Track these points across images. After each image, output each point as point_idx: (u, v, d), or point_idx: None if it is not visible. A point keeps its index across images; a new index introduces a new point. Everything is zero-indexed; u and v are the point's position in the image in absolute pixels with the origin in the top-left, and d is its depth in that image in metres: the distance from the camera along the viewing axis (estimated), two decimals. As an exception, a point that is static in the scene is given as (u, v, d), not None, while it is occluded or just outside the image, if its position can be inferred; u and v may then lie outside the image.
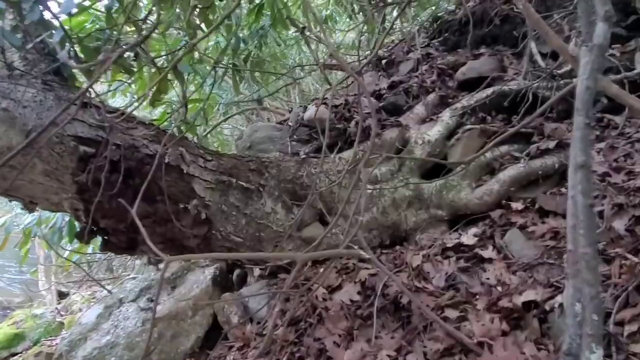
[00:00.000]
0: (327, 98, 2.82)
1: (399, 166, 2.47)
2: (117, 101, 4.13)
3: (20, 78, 1.97)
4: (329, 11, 5.54)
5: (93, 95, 1.95)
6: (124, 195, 1.84)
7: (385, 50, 3.79)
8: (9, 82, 1.88)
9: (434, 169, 2.47)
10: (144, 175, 1.87)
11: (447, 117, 2.54)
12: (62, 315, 4.15)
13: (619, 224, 1.56)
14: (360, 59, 3.82)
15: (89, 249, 3.98)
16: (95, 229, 2.01)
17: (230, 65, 3.17)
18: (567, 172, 2.10)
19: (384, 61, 3.31)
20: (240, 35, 3.16)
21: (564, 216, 1.90)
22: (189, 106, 3.07)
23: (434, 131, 2.50)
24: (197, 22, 2.27)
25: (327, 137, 2.06)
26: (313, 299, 1.99)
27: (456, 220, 2.35)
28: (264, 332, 1.95)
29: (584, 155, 0.84)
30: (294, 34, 3.80)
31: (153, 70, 2.43)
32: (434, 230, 2.35)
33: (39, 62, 2.09)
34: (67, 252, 3.67)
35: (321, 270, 2.17)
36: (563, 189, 1.98)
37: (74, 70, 2.17)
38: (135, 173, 1.92)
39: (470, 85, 2.75)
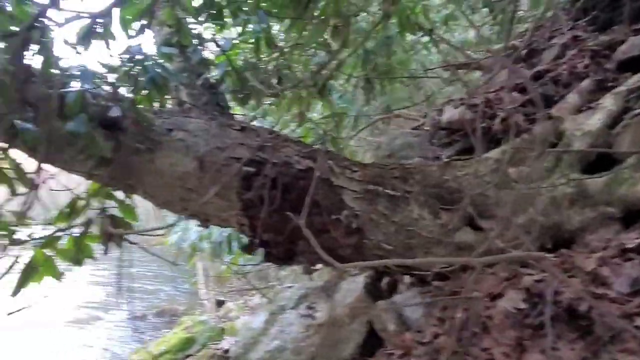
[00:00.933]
0: (464, 98, 2.73)
1: (556, 161, 2.26)
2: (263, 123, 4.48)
3: (189, 111, 2.27)
4: (449, 10, 5.38)
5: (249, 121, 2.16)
6: (283, 210, 1.98)
7: (521, 40, 3.54)
8: (182, 115, 2.17)
9: (598, 162, 2.22)
10: (299, 190, 2.01)
11: (608, 102, 2.27)
12: (223, 322, 4.60)
13: None
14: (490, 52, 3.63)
15: (241, 261, 4.35)
16: (258, 241, 2.20)
17: (362, 78, 3.24)
18: None
19: (523, 52, 3.09)
20: (368, 46, 3.23)
21: None
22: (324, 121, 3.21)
23: (594, 120, 2.25)
24: (335, 41, 2.38)
25: (477, 137, 1.98)
26: (475, 307, 1.91)
27: (631, 218, 2.07)
28: (424, 341, 1.92)
29: None
30: (420, 37, 3.75)
31: (293, 92, 2.61)
32: (605, 230, 2.10)
33: (202, 96, 2.38)
34: (224, 265, 4.07)
35: (479, 277, 2.08)
36: None
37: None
38: (290, 188, 2.05)
39: (634, 65, 2.42)
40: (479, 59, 3.62)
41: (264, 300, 4.17)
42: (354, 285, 2.35)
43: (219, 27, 2.48)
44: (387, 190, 2.22)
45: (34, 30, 1.63)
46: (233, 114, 2.37)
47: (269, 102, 2.71)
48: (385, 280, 2.50)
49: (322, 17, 2.37)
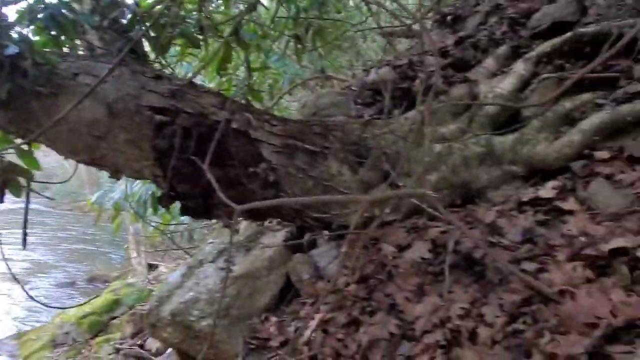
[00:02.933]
0: (390, 60, 2.77)
1: (469, 122, 2.36)
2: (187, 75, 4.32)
3: (100, 56, 2.13)
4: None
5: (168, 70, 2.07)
6: (207, 161, 1.94)
7: (451, 7, 3.61)
8: (91, 60, 2.04)
9: (507, 124, 2.34)
10: (214, 142, 1.97)
11: (520, 67, 2.38)
12: (152, 284, 4.52)
13: None
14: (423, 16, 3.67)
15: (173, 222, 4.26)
16: (174, 194, 2.15)
17: (292, 37, 3.19)
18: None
19: (449, 17, 3.16)
20: (300, 4, 3.17)
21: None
22: (254, 75, 3.13)
23: (506, 83, 2.35)
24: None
25: (388, 97, 2.02)
26: (382, 258, 1.99)
27: (532, 176, 2.22)
28: (335, 289, 1.98)
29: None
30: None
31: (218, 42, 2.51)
32: (509, 187, 2.23)
33: (115, 40, 2.24)
34: (152, 225, 3.96)
35: (390, 230, 2.16)
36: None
37: (146, 47, 2.31)
38: (206, 139, 2.01)
39: (546, 33, 2.54)
40: (410, 24, 3.66)
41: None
42: (274, 239, 2.37)
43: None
44: (306, 146, 2.22)
45: None
46: (150, 62, 2.25)
47: (193, 54, 2.61)
48: (307, 236, 2.54)
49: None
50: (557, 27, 2.50)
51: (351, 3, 3.92)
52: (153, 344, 3.59)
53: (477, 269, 1.75)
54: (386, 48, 4.39)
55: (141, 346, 3.69)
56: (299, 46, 3.25)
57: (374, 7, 3.87)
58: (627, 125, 2.00)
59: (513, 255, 1.69)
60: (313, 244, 2.45)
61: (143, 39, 2.24)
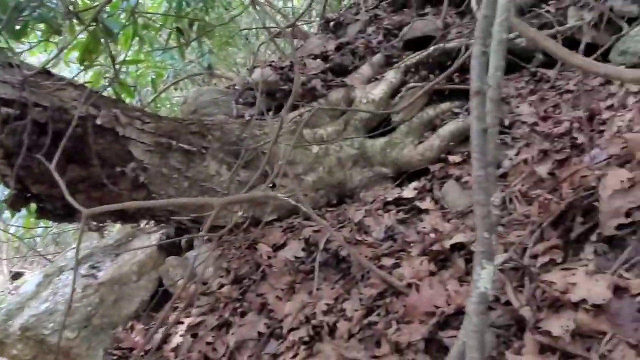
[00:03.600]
0: (274, 61, 2.79)
1: (345, 125, 2.47)
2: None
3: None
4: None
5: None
6: (55, 160, 1.78)
7: (336, 13, 3.75)
8: None
9: (379, 128, 2.50)
10: (75, 139, 1.82)
11: (391, 76, 2.55)
12: (14, 295, 4.04)
13: (543, 168, 1.62)
14: (312, 22, 3.76)
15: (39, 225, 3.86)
16: (29, 195, 1.95)
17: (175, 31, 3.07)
18: (502, 124, 2.14)
19: (332, 23, 3.27)
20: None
21: (497, 165, 1.97)
22: (129, 69, 2.95)
23: (378, 90, 2.51)
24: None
25: (259, 99, 2.04)
26: (257, 258, 2.01)
27: (400, 176, 2.40)
28: (208, 291, 1.95)
29: (479, 81, 0.86)
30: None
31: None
32: (379, 187, 2.39)
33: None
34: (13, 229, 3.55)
35: (268, 230, 2.18)
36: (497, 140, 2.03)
37: None
38: (64, 136, 1.84)
39: (416, 45, 2.76)
40: (298, 25, 3.73)
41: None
42: (147, 242, 2.26)
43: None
44: (182, 145, 2.15)
45: None
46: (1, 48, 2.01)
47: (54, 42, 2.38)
48: (184, 238, 2.47)
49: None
50: (424, 40, 2.73)
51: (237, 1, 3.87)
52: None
53: (344, 266, 1.84)
54: (272, 48, 4.42)
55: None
56: (182, 40, 3.14)
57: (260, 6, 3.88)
58: (477, 133, 2.25)
59: (375, 252, 1.80)
60: (190, 246, 2.38)
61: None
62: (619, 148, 1.39)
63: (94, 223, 2.14)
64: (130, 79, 2.71)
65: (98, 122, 1.90)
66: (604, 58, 2.10)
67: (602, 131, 1.58)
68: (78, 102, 1.91)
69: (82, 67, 2.12)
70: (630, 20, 2.07)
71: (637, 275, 1.07)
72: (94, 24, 1.86)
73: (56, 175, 1.31)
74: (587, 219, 1.31)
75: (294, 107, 2.55)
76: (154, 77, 3.77)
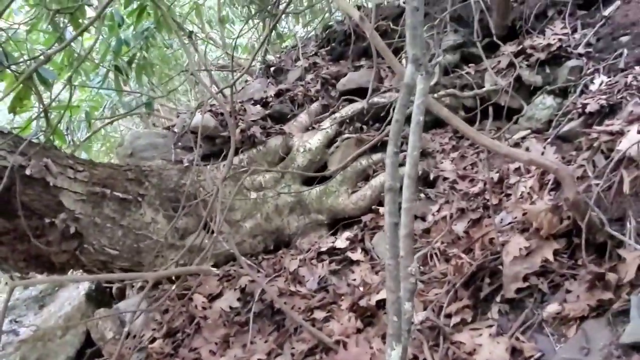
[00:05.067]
0: (213, 105, 2.83)
1: (282, 174, 2.56)
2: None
3: None
4: (225, 12, 5.49)
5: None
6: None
7: (277, 57, 3.87)
8: None
9: (315, 176, 2.60)
10: (2, 190, 1.76)
11: (327, 126, 2.68)
12: None
13: (460, 227, 1.78)
14: (255, 62, 3.86)
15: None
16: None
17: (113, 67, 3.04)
18: (428, 178, 2.31)
19: (272, 68, 3.38)
20: (123, 37, 3.05)
21: (422, 218, 2.12)
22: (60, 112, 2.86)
23: (315, 140, 2.62)
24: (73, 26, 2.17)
25: (198, 149, 2.08)
26: (192, 309, 2.01)
27: (335, 224, 2.51)
28: (140, 346, 1.92)
29: (392, 180, 0.97)
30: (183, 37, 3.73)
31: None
32: (315, 234, 2.48)
33: None
34: None
35: (204, 279, 2.19)
36: (422, 195, 2.20)
37: None
38: (-9, 187, 1.78)
39: (352, 94, 2.92)
40: (240, 66, 3.81)
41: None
42: (75, 293, 2.19)
43: None
44: (116, 193, 2.13)
45: None
46: None
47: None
48: (116, 286, 2.41)
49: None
50: (359, 91, 2.89)
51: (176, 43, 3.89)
52: None
53: (278, 317, 1.89)
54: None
55: None
56: (120, 78, 3.12)
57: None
58: (405, 184, 2.41)
59: (308, 304, 1.88)
60: (122, 296, 2.33)
61: None
62: (521, 214, 1.58)
63: (19, 275, 2.05)
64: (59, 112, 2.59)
65: (27, 172, 1.85)
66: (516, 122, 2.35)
67: (509, 195, 1.77)
68: (5, 152, 1.86)
69: (12, 115, 2.06)
70: (536, 90, 2.34)
71: (529, 338, 1.22)
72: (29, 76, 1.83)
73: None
74: (494, 280, 1.47)
75: (235, 153, 2.61)
76: (87, 109, 3.68)
